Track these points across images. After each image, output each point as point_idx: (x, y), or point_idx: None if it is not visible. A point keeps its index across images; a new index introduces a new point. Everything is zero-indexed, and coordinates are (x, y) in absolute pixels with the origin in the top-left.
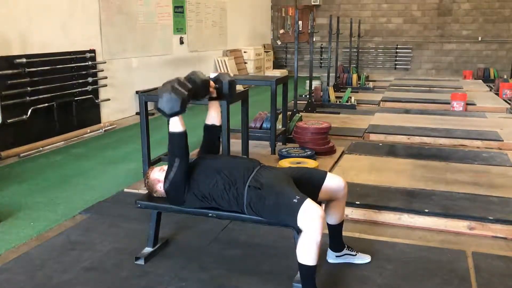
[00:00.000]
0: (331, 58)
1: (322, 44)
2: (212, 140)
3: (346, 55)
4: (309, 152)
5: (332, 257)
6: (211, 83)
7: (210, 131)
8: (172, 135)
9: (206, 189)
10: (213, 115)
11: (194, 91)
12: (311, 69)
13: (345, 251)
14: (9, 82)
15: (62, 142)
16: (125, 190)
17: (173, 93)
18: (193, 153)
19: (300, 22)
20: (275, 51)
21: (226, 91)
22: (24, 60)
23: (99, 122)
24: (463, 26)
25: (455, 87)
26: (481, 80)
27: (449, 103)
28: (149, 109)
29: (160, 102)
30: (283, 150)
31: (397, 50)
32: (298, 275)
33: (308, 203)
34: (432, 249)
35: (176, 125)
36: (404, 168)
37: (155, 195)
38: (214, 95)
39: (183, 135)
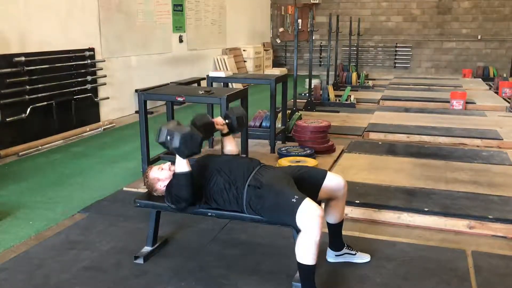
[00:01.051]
0: (330, 56)
1: (321, 43)
2: None
3: (346, 54)
4: (308, 151)
5: (331, 256)
6: (219, 120)
7: None
8: (178, 177)
9: (206, 189)
10: (230, 149)
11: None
12: (310, 67)
13: (344, 250)
14: (8, 80)
15: (61, 141)
16: (124, 189)
17: (192, 132)
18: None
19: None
20: (275, 50)
21: (235, 126)
22: (23, 58)
23: (98, 120)
24: (462, 25)
25: (455, 85)
26: (480, 79)
27: (448, 102)
28: (148, 107)
29: (178, 141)
30: (283, 149)
31: (397, 49)
32: (298, 274)
33: (307, 203)
34: (431, 248)
35: (184, 165)
36: (404, 167)
37: (154, 194)
38: (226, 131)
39: (190, 175)
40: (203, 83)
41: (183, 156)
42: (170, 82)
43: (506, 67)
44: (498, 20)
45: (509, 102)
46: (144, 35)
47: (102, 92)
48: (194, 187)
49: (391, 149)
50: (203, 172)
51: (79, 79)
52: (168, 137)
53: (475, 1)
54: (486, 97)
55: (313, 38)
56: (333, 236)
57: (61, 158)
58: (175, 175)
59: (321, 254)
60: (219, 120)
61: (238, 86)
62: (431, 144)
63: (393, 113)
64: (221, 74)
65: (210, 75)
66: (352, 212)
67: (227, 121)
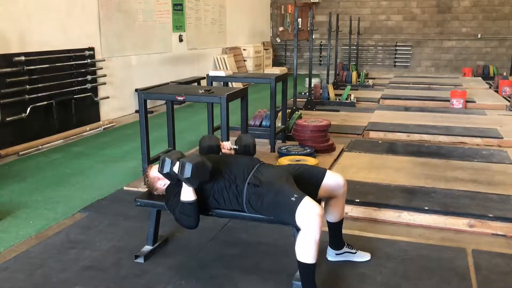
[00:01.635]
0: (330, 55)
1: (321, 42)
2: None
3: (346, 53)
4: (308, 150)
5: (332, 255)
6: (226, 145)
7: None
8: (185, 205)
9: (207, 189)
10: None
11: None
12: (310, 66)
13: (345, 249)
14: (8, 80)
15: (61, 141)
16: (125, 188)
17: (204, 162)
18: (192, 152)
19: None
20: (275, 49)
21: (242, 153)
22: (23, 58)
23: (98, 120)
24: (462, 23)
25: (455, 84)
26: (480, 78)
27: (448, 101)
28: (148, 107)
29: (190, 171)
30: (283, 148)
31: (397, 48)
32: (298, 273)
33: (307, 201)
34: (432, 247)
35: (190, 194)
36: (404, 165)
37: (155, 193)
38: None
39: (196, 204)
40: (203, 83)
41: (193, 185)
42: (170, 82)
43: (506, 66)
44: (498, 19)
45: (509, 101)
46: (144, 34)
47: (102, 92)
48: (198, 215)
49: (391, 148)
50: None
51: (79, 79)
52: (179, 167)
53: (475, 0)
54: (486, 96)
55: (313, 37)
56: (333, 235)
57: (61, 157)
58: (181, 204)
59: (321, 253)
60: (226, 145)
61: (238, 85)
62: (431, 143)
63: (393, 112)
64: (221, 73)
65: (210, 74)
66: (352, 211)
67: (234, 147)
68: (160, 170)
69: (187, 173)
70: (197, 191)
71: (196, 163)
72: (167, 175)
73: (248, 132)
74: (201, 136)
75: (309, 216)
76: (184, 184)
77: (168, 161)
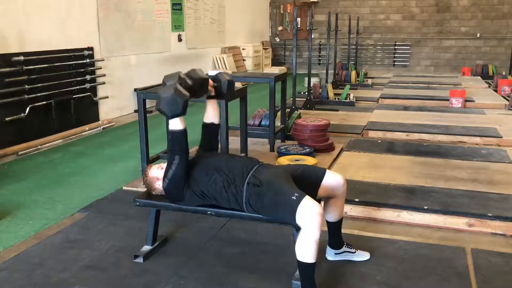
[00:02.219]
0: (329, 55)
1: (320, 41)
2: (210, 137)
3: (345, 52)
4: (308, 149)
5: (331, 255)
6: (210, 81)
7: (209, 129)
8: (172, 133)
9: (205, 187)
10: (212, 114)
11: (193, 90)
12: (309, 66)
13: (344, 248)
14: (6, 80)
15: (60, 140)
16: (124, 188)
17: (175, 95)
18: (192, 151)
19: (298, 19)
20: (274, 48)
21: (224, 91)
22: (21, 58)
23: (98, 120)
24: (461, 23)
25: (454, 83)
26: (479, 77)
27: (447, 100)
28: (147, 106)
29: (162, 104)
30: (282, 148)
31: (396, 47)
32: (297, 272)
33: (307, 200)
34: (431, 246)
35: (176, 123)
36: (403, 165)
37: (154, 193)
38: (213, 93)
39: (183, 133)
40: None
41: (168, 117)
42: None
43: (505, 65)
44: (497, 18)
45: (508, 100)
46: (143, 34)
47: (101, 91)
48: (187, 144)
49: (390, 147)
50: (201, 170)
51: (78, 78)
52: (160, 99)
53: None
54: (485, 95)
55: (312, 36)
56: (333, 235)
57: (61, 157)
58: (170, 133)
59: (320, 252)
60: (209, 81)
61: (237, 84)
62: (430, 142)
63: (392, 111)
64: None
65: (209, 74)
66: (351, 210)
67: (216, 84)
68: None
69: (160, 105)
70: (196, 191)
71: (165, 97)
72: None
73: (247, 132)
74: (200, 136)
75: (309, 215)
76: None
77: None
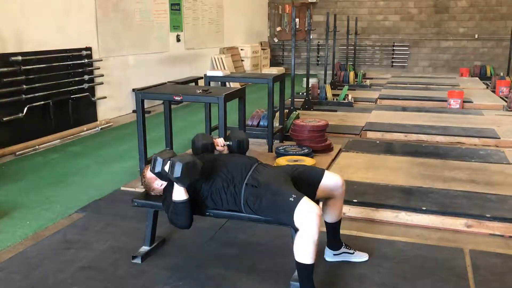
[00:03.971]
0: (328, 55)
1: (319, 42)
2: None
3: (343, 53)
4: (306, 150)
5: (329, 256)
6: (220, 141)
7: None
8: (177, 204)
9: (205, 189)
10: None
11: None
12: (308, 66)
13: (342, 249)
14: (4, 80)
15: (58, 140)
16: (122, 188)
17: (194, 160)
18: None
19: (297, 20)
20: (272, 49)
21: (235, 151)
22: (19, 58)
23: (96, 120)
24: (460, 24)
25: (452, 84)
26: (477, 78)
27: (446, 101)
28: (146, 107)
29: (178, 172)
30: (280, 148)
31: (394, 48)
32: (296, 273)
33: (305, 201)
34: (429, 247)
35: (182, 193)
36: (401, 165)
37: (152, 193)
38: (226, 152)
39: (188, 204)
40: (201, 82)
41: (184, 185)
42: (168, 82)
43: (503, 66)
44: (495, 19)
45: (506, 101)
46: (141, 34)
47: (99, 92)
48: (191, 214)
49: (389, 148)
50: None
51: (76, 79)
52: (169, 167)
53: (472, 0)
54: (483, 96)
55: (311, 37)
56: (331, 235)
57: (58, 157)
58: (173, 203)
59: (319, 253)
60: (219, 141)
61: (235, 85)
62: (428, 143)
63: (391, 112)
64: (219, 73)
65: (207, 74)
66: (350, 211)
67: (227, 143)
68: (152, 170)
69: (177, 172)
70: (194, 191)
71: (186, 162)
72: (158, 175)
73: (245, 132)
74: None
75: (307, 216)
76: (175, 184)
77: (159, 161)
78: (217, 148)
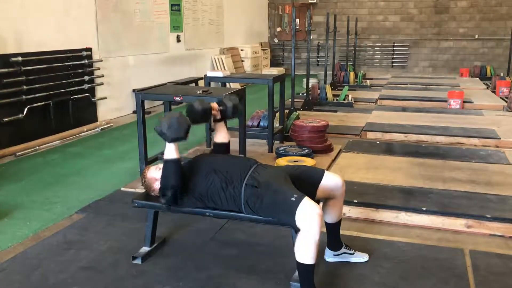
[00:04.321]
0: (328, 56)
1: (319, 42)
2: (223, 153)
3: (343, 53)
4: (306, 151)
5: (330, 256)
6: (215, 105)
7: (220, 147)
8: (167, 162)
9: (203, 188)
10: (221, 135)
11: (196, 121)
12: (308, 67)
13: (343, 249)
14: (4, 80)
15: (59, 141)
16: (122, 189)
17: (181, 118)
18: (190, 152)
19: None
20: (272, 49)
21: (229, 115)
22: (20, 58)
23: (96, 120)
24: (460, 24)
25: (452, 85)
26: (478, 78)
27: (446, 101)
28: (146, 107)
29: (164, 125)
30: (281, 149)
31: (394, 48)
32: (296, 274)
33: (306, 202)
34: (429, 247)
35: (172, 152)
36: (402, 166)
37: (153, 194)
38: (218, 117)
39: (178, 162)
40: (201, 83)
41: (168, 140)
42: (168, 82)
43: (503, 66)
44: (495, 20)
45: (506, 101)
46: (141, 34)
47: (99, 92)
48: (182, 174)
49: (389, 149)
50: (198, 171)
51: (76, 79)
52: (160, 124)
53: (472, 1)
54: (483, 96)
55: (311, 37)
56: (331, 236)
57: (59, 158)
58: (164, 163)
59: (319, 253)
60: (214, 105)
61: (235, 85)
62: (428, 143)
63: (391, 112)
64: (219, 73)
65: (207, 75)
66: (350, 211)
67: (221, 107)
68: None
69: (163, 127)
70: (194, 191)
71: (169, 119)
72: (160, 134)
73: (245, 133)
74: (198, 136)
75: (309, 216)
76: (167, 143)
77: (160, 121)
78: (213, 112)
